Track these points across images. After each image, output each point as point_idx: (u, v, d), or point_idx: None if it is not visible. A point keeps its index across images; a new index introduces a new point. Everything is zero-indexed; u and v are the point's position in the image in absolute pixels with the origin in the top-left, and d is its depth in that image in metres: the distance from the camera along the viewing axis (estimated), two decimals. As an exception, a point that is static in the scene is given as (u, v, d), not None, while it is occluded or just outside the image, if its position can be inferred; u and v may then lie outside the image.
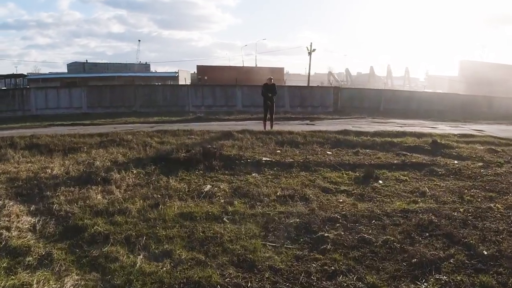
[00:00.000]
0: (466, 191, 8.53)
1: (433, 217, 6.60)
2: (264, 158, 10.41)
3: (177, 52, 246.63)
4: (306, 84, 48.47)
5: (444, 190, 8.58)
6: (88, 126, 20.34)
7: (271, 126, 16.60)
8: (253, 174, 9.25)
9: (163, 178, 8.44)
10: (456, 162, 11.33)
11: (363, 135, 15.03)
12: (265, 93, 16.36)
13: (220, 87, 34.58)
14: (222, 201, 7.27)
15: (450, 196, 8.17)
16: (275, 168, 9.81)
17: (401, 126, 21.03)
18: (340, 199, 7.64)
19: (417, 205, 7.44)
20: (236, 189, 7.96)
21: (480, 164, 11.16)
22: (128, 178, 8.35)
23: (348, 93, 36.98)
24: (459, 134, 16.93)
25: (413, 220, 6.52)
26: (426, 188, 8.53)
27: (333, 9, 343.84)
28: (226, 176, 9.02)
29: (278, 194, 7.69)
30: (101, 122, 22.10)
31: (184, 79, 47.05)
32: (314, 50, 45.05)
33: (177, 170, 9.23)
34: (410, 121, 24.64)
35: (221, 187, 7.97)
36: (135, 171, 8.93)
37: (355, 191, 8.22)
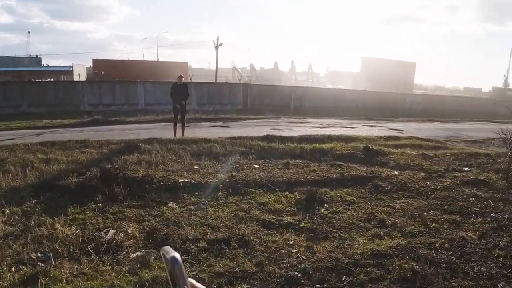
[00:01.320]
0: (425, 214, 7.28)
1: (414, 264, 5.12)
2: (181, 180, 8.36)
3: (71, 45, 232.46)
4: (212, 80, 46.58)
5: (402, 215, 7.27)
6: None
7: (183, 132, 14.46)
8: (170, 204, 7.20)
9: (47, 221, 6.09)
10: (396, 172, 10.23)
11: (288, 141, 13.50)
12: (175, 95, 14.14)
13: (120, 84, 31.48)
14: (133, 256, 5.19)
15: (413, 223, 6.83)
16: (197, 193, 7.83)
17: (320, 127, 20.01)
18: (290, 239, 5.88)
19: (383, 242, 5.93)
20: (150, 232, 5.88)
21: (422, 174, 10.18)
22: (-6, 226, 5.91)
23: (258, 90, 35.63)
24: (384, 136, 16.08)
25: (392, 272, 4.96)
26: (384, 215, 7.11)
27: (235, 3, 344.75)
28: (135, 209, 6.86)
29: (208, 237, 5.75)
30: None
31: (79, 75, 42.84)
32: (221, 44, 43.19)
33: (67, 204, 6.89)
34: (326, 121, 23.77)
35: (129, 231, 5.84)
36: (7, 211, 6.45)
37: (302, 223, 6.53)
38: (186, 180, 8.37)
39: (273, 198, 7.87)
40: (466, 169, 10.93)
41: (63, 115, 22.91)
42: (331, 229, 6.45)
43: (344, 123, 22.88)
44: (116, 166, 8.44)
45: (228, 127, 18.84)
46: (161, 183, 8.06)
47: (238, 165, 10.11)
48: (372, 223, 6.83)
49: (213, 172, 9.24)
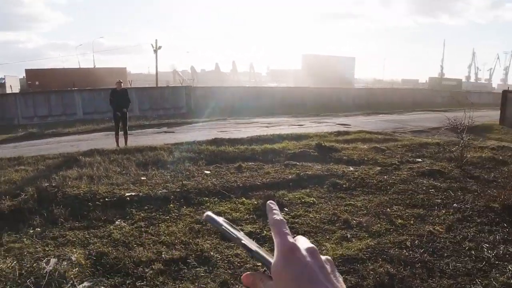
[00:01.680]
0: (389, 210, 7.09)
1: (388, 267, 4.84)
2: (127, 193, 7.72)
3: (2, 56, 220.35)
4: (152, 85, 45.38)
5: (366, 213, 7.06)
6: None
7: (126, 141, 13.66)
8: (117, 222, 6.57)
9: (-24, 253, 5.34)
10: (352, 168, 10.08)
11: (238, 143, 13.06)
12: (114, 102, 13.32)
13: (55, 94, 29.84)
14: (79, 288, 4.59)
15: (378, 221, 6.61)
16: (146, 207, 7.23)
17: (268, 126, 19.73)
18: (252, 252, 5.47)
19: (352, 245, 5.64)
20: (98, 257, 5.27)
21: (378, 168, 10.10)
22: None
23: (201, 92, 35.00)
24: (334, 132, 16.00)
25: (367, 278, 4.66)
26: (347, 215, 6.85)
27: (172, 5, 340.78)
28: (78, 232, 6.18)
29: (163, 257, 5.21)
30: None
31: (10, 87, 40.53)
32: (160, 47, 42.05)
33: (0, 232, 6.16)
34: (273, 120, 23.55)
35: (73, 258, 5.19)
36: None
37: (264, 232, 6.13)
38: (133, 193, 7.74)
39: (229, 206, 7.42)
40: (419, 160, 10.96)
41: (-6, 131, 21.40)
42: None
43: (291, 121, 22.76)
44: (54, 184, 7.68)
45: (174, 132, 18.18)
46: (106, 199, 7.40)
47: (188, 173, 9.57)
48: (336, 224, 6.54)
49: (162, 183, 8.65)
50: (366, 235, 6.04)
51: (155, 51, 42.19)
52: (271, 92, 38.34)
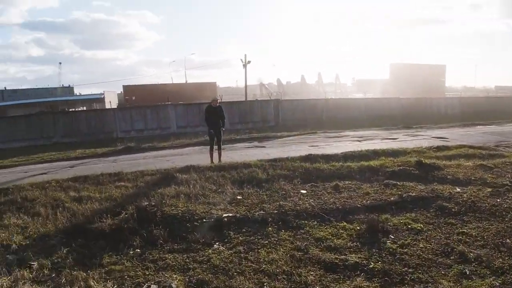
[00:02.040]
0: (509, 241, 6.26)
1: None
2: (225, 214, 7.54)
3: (101, 73, 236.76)
4: (240, 98, 46.08)
5: (482, 244, 6.28)
6: (-8, 171, 16.52)
7: (219, 156, 13.68)
8: (216, 246, 6.37)
9: (80, 276, 5.33)
10: (459, 189, 9.20)
11: (332, 159, 12.55)
12: (210, 119, 13.38)
13: (150, 108, 31.21)
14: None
15: (499, 255, 5.83)
16: (244, 230, 6.99)
17: (359, 140, 18.96)
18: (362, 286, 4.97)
19: (474, 284, 4.98)
20: (198, 285, 5.06)
21: (489, 189, 9.15)
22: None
23: (289, 105, 34.89)
24: (433, 147, 14.92)
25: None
26: (462, 246, 6.12)
27: (257, 20, 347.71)
28: (177, 255, 6.05)
29: (265, 289, 4.89)
30: (11, 163, 18.19)
31: (110, 102, 43.12)
32: (249, 62, 42.66)
33: (101, 251, 6.18)
34: (364, 133, 22.69)
35: (174, 285, 5.02)
36: (35, 265, 5.75)
37: (372, 263, 5.59)
38: (230, 214, 7.54)
39: (330, 231, 6.95)
40: (537, 181, 9.77)
41: (96, 144, 22.67)
42: (406, 268, 5.49)
43: (383, 134, 21.74)
44: (153, 203, 7.68)
45: (264, 147, 18.02)
46: (204, 220, 7.26)
47: (284, 192, 9.23)
48: (451, 257, 5.85)
49: (259, 202, 8.38)
50: (488, 272, 5.31)
51: (244, 66, 42.82)
52: (358, 103, 37.30)
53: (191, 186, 9.48)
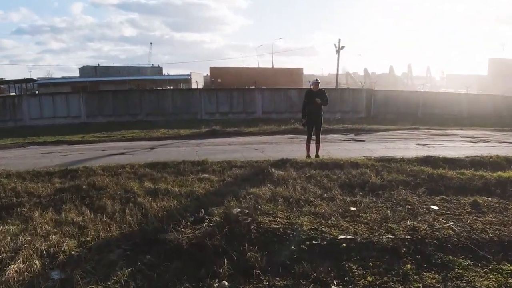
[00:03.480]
0: None
1: None
2: (341, 236, 5.57)
3: (189, 55, 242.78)
4: (326, 87, 43.50)
5: None
6: (74, 146, 15.78)
7: (317, 150, 11.67)
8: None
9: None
10: None
11: (457, 164, 10.20)
12: (310, 104, 11.42)
13: (237, 91, 29.83)
14: None
15: None
16: (370, 261, 4.98)
17: (473, 141, 16.19)
18: None
19: None
20: None
21: None
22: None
23: (383, 96, 31.93)
24: None
25: None
26: None
27: (343, 8, 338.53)
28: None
29: None
30: (93, 138, 17.48)
31: (196, 82, 42.55)
32: (343, 47, 39.85)
33: (175, 280, 4.46)
34: (474, 132, 19.67)
35: None
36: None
37: None
38: (348, 236, 5.55)
39: (494, 279, 4.76)
40: None
41: (180, 124, 21.57)
42: None
43: (497, 136, 18.57)
44: (246, 211, 5.86)
45: (363, 141, 15.78)
46: (313, 242, 5.34)
47: (409, 206, 7.10)
48: None
49: (381, 219, 6.32)
50: None
51: (338, 51, 40.13)
52: (459, 100, 33.32)
53: (290, 187, 7.59)
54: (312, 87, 11.52)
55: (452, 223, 6.45)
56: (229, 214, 5.60)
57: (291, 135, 17.15)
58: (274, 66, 70.40)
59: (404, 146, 14.20)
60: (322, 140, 13.08)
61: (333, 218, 6.27)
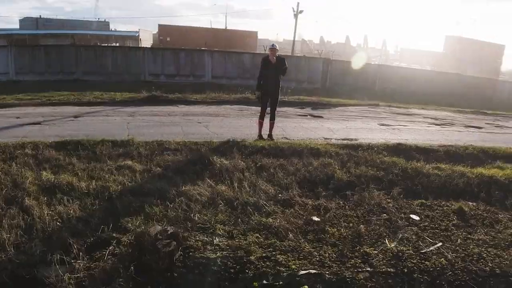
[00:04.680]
0: None
1: None
2: (302, 271, 3.95)
3: (139, 11, 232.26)
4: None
5: None
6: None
7: (271, 129, 9.86)
8: None
9: None
10: None
11: (431, 156, 8.86)
12: (266, 76, 9.59)
13: (185, 52, 27.36)
14: None
15: None
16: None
17: (437, 124, 15.15)
18: None
19: None
20: None
21: None
22: None
23: (340, 66, 30.37)
24: None
25: None
26: None
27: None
28: None
29: None
30: (13, 101, 14.82)
31: (140, 40, 39.57)
32: (301, 11, 37.78)
33: None
34: (436, 113, 18.56)
35: None
36: None
37: None
38: (311, 270, 3.96)
39: None
40: None
41: (120, 86, 19.21)
42: None
43: (460, 119, 17.53)
44: (170, 230, 4.05)
45: (322, 117, 14.23)
46: (263, 282, 3.70)
47: (385, 214, 5.62)
48: None
49: (352, 237, 4.81)
50: None
51: (295, 15, 38.04)
52: (417, 75, 32.11)
53: (235, 184, 5.88)
54: (269, 54, 9.64)
55: (440, 243, 5.04)
56: (143, 238, 3.81)
57: (241, 106, 15.34)
58: (228, 28, 67.40)
59: (366, 126, 12.78)
60: (277, 114, 11.43)
61: (291, 235, 4.66)
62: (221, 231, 4.54)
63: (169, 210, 4.86)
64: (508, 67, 79.71)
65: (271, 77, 9.44)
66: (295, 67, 28.47)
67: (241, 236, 4.50)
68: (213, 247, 4.13)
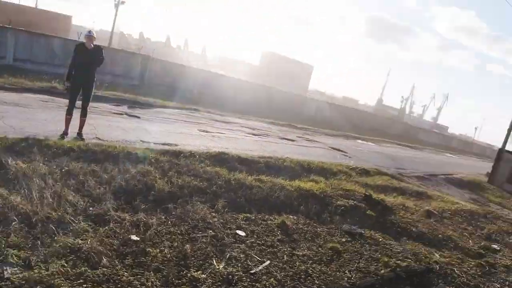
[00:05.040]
0: None
1: None
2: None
3: None
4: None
5: None
6: None
7: (81, 127, 8.59)
8: None
9: None
10: (438, 256, 6.51)
11: (253, 167, 8.85)
12: (79, 66, 8.34)
13: (-19, 28, 23.53)
14: None
15: None
16: None
17: (255, 134, 15.47)
18: None
19: None
20: None
21: (469, 260, 6.96)
22: None
23: (160, 66, 29.62)
24: (357, 169, 12.01)
25: None
26: None
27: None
28: None
29: None
30: None
31: None
32: (123, 2, 35.79)
33: None
34: (253, 123, 19.13)
35: None
36: None
37: None
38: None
39: None
40: (495, 246, 7.78)
41: None
42: None
43: (275, 130, 18.40)
44: None
45: (139, 117, 13.33)
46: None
47: (211, 230, 5.21)
48: None
49: (177, 259, 4.25)
50: None
51: (116, 5, 35.98)
52: (231, 84, 33.21)
53: (35, 194, 4.78)
54: (85, 41, 8.48)
55: (268, 261, 4.82)
56: None
57: (47, 96, 13.49)
58: (39, 8, 60.79)
59: (186, 131, 12.32)
60: (89, 110, 10.25)
61: (105, 260, 3.88)
62: (15, 258, 3.54)
63: None
64: (313, 86, 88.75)
65: (85, 67, 8.29)
66: (111, 60, 26.74)
67: (41, 264, 3.56)
68: (3, 283, 3.14)
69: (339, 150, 16.75)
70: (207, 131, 13.32)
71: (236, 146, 11.38)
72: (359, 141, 24.67)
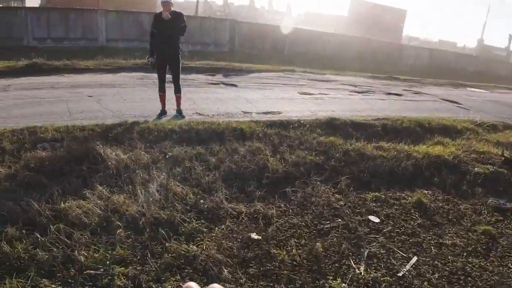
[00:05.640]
0: None
1: None
2: None
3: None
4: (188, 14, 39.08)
5: None
6: None
7: (178, 104, 8.07)
8: None
9: None
10: None
11: (369, 131, 7.78)
12: (159, 38, 7.59)
13: (75, 13, 24.08)
14: None
15: None
16: None
17: (360, 91, 14.21)
18: None
19: None
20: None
21: None
22: None
23: (249, 29, 28.83)
24: (486, 124, 10.34)
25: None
26: None
27: None
28: None
29: None
30: None
31: (31, 0, 34.92)
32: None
33: None
34: (353, 79, 17.71)
35: None
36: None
37: None
38: None
39: None
40: None
41: (-3, 53, 16.08)
42: None
43: (378, 85, 16.86)
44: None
45: (236, 86, 12.67)
46: None
47: (339, 219, 4.36)
48: None
49: (308, 259, 3.45)
50: None
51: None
52: (326, 39, 31.68)
53: (139, 190, 4.21)
54: (162, 11, 7.68)
55: (415, 258, 3.87)
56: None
57: (142, 74, 13.27)
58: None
59: (287, 96, 11.46)
60: (184, 84, 9.74)
61: (225, 272, 3.19)
62: (122, 279, 2.95)
63: (38, 249, 3.14)
64: (406, 32, 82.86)
65: (166, 38, 7.56)
66: (200, 29, 26.53)
67: (154, 285, 2.94)
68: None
69: (452, 101, 14.93)
70: (308, 93, 12.32)
71: (343, 107, 10.33)
72: (470, 89, 22.20)
